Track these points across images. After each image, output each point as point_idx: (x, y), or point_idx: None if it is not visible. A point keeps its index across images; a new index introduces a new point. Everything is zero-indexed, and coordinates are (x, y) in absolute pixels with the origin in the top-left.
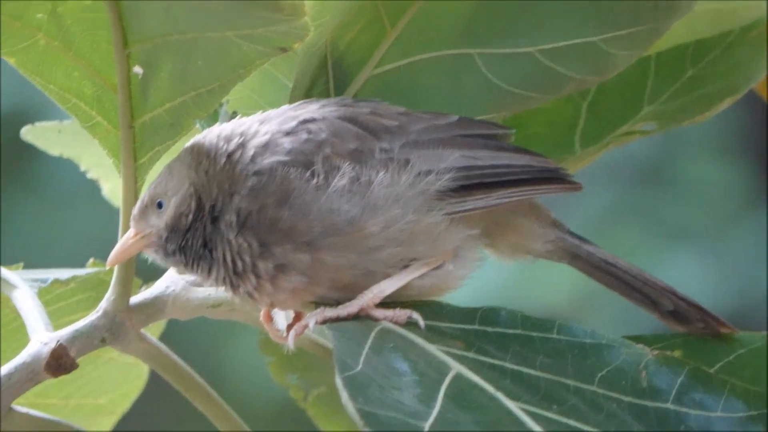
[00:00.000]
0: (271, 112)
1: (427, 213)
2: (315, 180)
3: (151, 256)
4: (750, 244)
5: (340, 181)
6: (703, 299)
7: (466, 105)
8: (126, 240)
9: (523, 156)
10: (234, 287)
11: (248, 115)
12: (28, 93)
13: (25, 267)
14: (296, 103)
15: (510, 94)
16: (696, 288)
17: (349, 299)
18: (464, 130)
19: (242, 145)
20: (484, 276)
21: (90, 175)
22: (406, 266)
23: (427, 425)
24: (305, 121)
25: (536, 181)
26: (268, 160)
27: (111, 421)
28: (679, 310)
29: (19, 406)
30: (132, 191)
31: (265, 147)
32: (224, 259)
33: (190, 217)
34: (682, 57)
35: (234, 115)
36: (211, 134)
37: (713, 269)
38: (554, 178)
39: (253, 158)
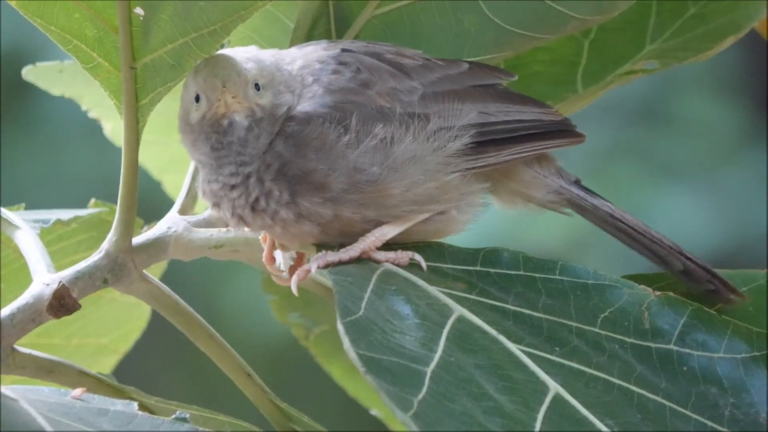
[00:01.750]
0: (303, 49)
1: (443, 172)
2: (348, 136)
3: (229, 122)
4: (747, 182)
5: (370, 141)
6: (701, 237)
7: (468, 45)
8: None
9: (531, 108)
10: (240, 217)
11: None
12: (28, 33)
13: (27, 208)
14: (316, 42)
15: (512, 33)
16: (693, 225)
17: (351, 242)
18: (476, 80)
19: (295, 79)
20: (483, 217)
21: (91, 115)
22: None
23: (429, 369)
24: (342, 59)
25: (545, 135)
26: (312, 107)
27: (113, 360)
28: (688, 270)
29: (22, 347)
30: (134, 132)
31: (312, 83)
32: (249, 193)
33: (276, 123)
34: None
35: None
36: (279, 54)
37: (711, 207)
38: (561, 131)
39: (301, 96)
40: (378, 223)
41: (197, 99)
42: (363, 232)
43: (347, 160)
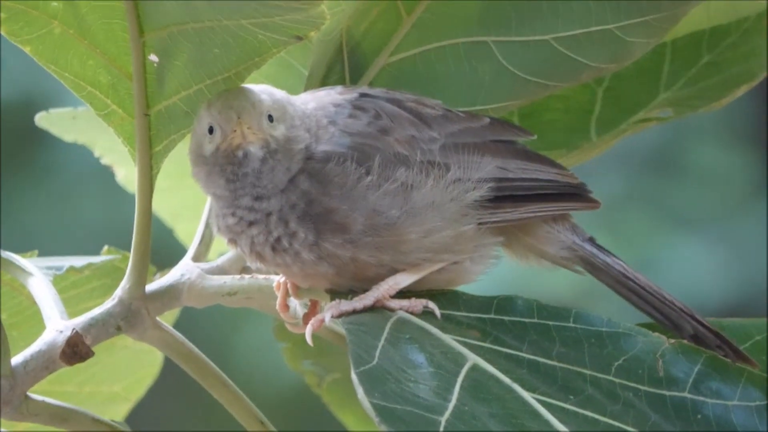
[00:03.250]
0: (315, 93)
1: (460, 222)
2: (369, 178)
3: (244, 154)
4: (760, 232)
5: (391, 185)
6: (713, 286)
7: (483, 93)
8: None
9: (549, 168)
10: (259, 254)
11: None
12: (40, 80)
13: (40, 255)
14: (330, 87)
15: (526, 81)
16: (705, 275)
17: (363, 287)
18: (496, 135)
19: (311, 121)
20: (495, 265)
21: (104, 161)
22: None
23: (443, 419)
24: (360, 104)
25: (561, 197)
26: (331, 146)
27: (125, 408)
28: (698, 335)
29: (35, 394)
30: (147, 179)
31: (327, 125)
32: (270, 232)
33: (296, 159)
34: (698, 43)
35: None
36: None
37: (723, 256)
38: (576, 194)
39: (318, 137)
40: (392, 270)
41: (211, 131)
42: (376, 277)
43: (367, 202)
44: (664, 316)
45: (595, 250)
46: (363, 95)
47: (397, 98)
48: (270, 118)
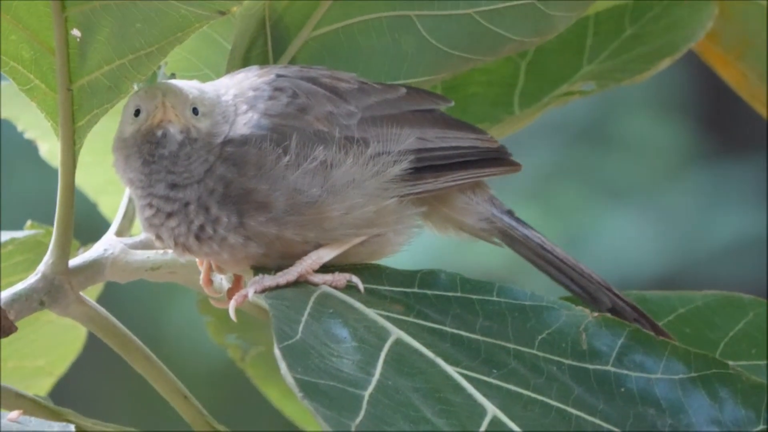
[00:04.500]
0: (234, 77)
1: (381, 197)
2: (287, 158)
3: (163, 134)
4: (690, 203)
5: (310, 164)
6: (642, 258)
7: (406, 67)
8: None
9: (468, 135)
10: (185, 246)
11: (186, 77)
12: None
13: None
14: (247, 68)
15: (449, 55)
16: (636, 246)
17: (291, 264)
18: (413, 105)
19: (228, 108)
20: (421, 240)
21: (27, 136)
22: None
23: (366, 393)
24: (278, 85)
25: (482, 163)
26: (249, 129)
27: (49, 382)
28: (616, 308)
29: None
30: (71, 154)
31: (247, 110)
32: (191, 222)
33: (213, 151)
34: (621, 16)
35: (172, 77)
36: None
37: (652, 227)
38: (498, 158)
39: (235, 123)
40: (318, 246)
41: (137, 113)
42: (303, 254)
43: (287, 181)
44: (582, 288)
45: (513, 222)
46: (279, 76)
47: (312, 76)
48: (195, 110)
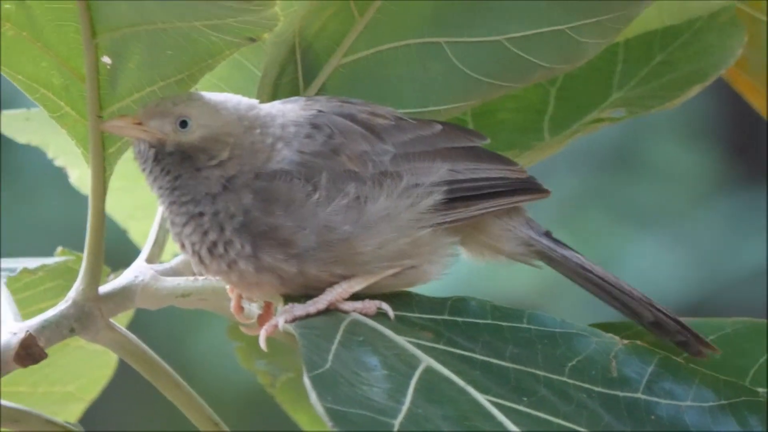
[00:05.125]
0: (285, 105)
1: (415, 228)
2: (317, 195)
3: (138, 150)
4: (717, 229)
5: (341, 200)
6: (671, 284)
7: (435, 94)
8: (119, 123)
9: (498, 166)
10: (198, 258)
11: None
12: None
13: None
14: (295, 99)
15: (479, 82)
16: (663, 272)
17: (317, 293)
18: (448, 142)
19: (267, 139)
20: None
21: (57, 163)
22: None
23: (396, 422)
24: (316, 122)
25: (511, 192)
26: (279, 165)
27: (80, 408)
28: (659, 321)
29: None
30: (101, 181)
31: (282, 148)
32: (206, 234)
33: (212, 163)
34: (650, 43)
35: None
36: (258, 110)
37: (681, 254)
38: (527, 188)
39: (268, 158)
40: (346, 278)
41: None
42: (328, 286)
43: (318, 219)
44: (623, 304)
45: (552, 244)
46: (320, 112)
47: (350, 113)
48: (183, 123)
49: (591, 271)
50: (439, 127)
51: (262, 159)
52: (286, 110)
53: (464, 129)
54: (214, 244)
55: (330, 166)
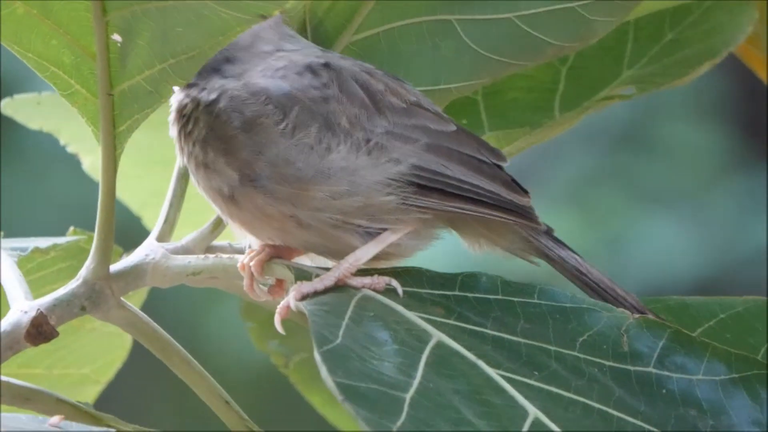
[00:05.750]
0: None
1: (375, 191)
2: (282, 125)
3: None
4: (729, 208)
5: (305, 138)
6: (682, 262)
7: (446, 71)
8: None
9: (497, 184)
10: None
11: None
12: (5, 65)
13: (5, 236)
14: (310, 44)
15: (489, 60)
16: (676, 251)
17: (279, 238)
18: (450, 143)
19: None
20: (461, 242)
21: (70, 149)
22: (353, 229)
23: (408, 396)
24: (316, 70)
25: (496, 207)
26: (262, 83)
27: (95, 390)
28: None
29: (2, 376)
30: (111, 159)
31: (272, 74)
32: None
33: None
34: (661, 21)
35: None
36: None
37: (692, 233)
38: (519, 213)
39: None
40: (298, 222)
41: None
42: (280, 227)
43: (278, 149)
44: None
45: (550, 243)
46: (327, 65)
47: (363, 80)
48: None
49: (587, 275)
50: (453, 127)
51: (258, 68)
52: (298, 54)
53: (479, 140)
54: (187, 120)
55: (314, 108)
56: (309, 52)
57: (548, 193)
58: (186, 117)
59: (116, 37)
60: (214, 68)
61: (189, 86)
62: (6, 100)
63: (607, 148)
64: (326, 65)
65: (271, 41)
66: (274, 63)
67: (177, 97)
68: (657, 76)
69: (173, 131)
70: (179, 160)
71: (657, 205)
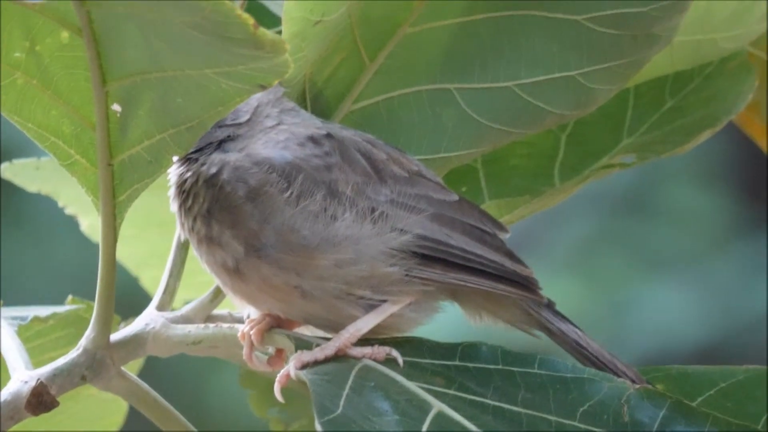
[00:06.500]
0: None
1: (380, 261)
2: (287, 194)
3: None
4: (730, 273)
5: (311, 206)
6: (685, 328)
7: (446, 140)
8: None
9: (500, 255)
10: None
11: None
12: (4, 131)
13: (8, 304)
14: (311, 117)
15: (489, 128)
16: (679, 316)
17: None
18: (453, 213)
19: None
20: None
21: (68, 211)
22: (356, 301)
23: None
24: (318, 140)
25: (499, 279)
26: (264, 153)
27: None
28: None
29: None
30: (111, 229)
31: (274, 145)
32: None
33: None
34: (661, 88)
35: None
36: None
37: (695, 298)
38: (522, 285)
39: (255, 146)
40: (302, 293)
41: None
42: (283, 298)
43: (283, 217)
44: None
45: (551, 316)
46: (329, 135)
47: (365, 149)
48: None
49: (586, 349)
50: (455, 197)
51: (260, 142)
52: (301, 126)
53: (481, 211)
54: (187, 195)
55: (319, 179)
56: (310, 124)
57: (549, 258)
58: (186, 192)
59: (116, 107)
60: (214, 145)
61: (188, 160)
62: (5, 165)
63: (610, 212)
64: (328, 135)
65: (272, 116)
66: (275, 136)
67: (176, 170)
68: (657, 144)
69: (174, 206)
70: (180, 234)
71: (658, 270)
